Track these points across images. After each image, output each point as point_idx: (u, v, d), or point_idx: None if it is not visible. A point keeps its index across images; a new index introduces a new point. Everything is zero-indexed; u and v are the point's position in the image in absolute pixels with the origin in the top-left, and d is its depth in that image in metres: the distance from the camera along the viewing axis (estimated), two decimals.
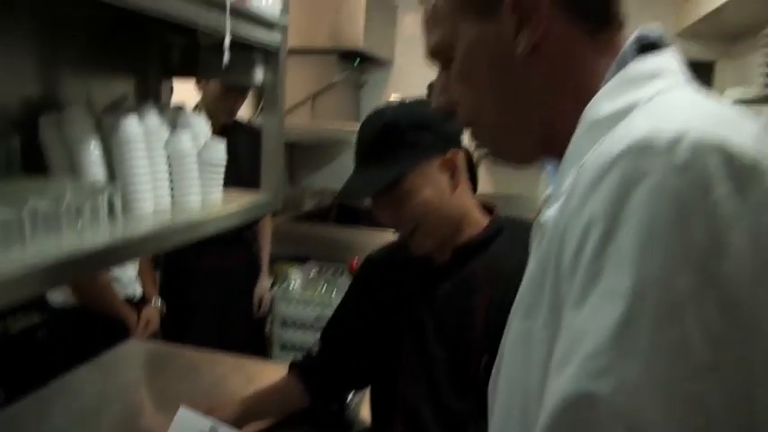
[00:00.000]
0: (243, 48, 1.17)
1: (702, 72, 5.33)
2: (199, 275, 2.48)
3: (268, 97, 1.30)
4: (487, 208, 1.27)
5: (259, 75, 1.29)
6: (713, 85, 5.05)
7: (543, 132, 0.66)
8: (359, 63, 5.13)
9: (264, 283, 2.63)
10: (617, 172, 0.47)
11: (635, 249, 0.44)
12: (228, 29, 1.01)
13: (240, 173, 1.90)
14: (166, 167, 1.10)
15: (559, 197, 0.58)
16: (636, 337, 0.43)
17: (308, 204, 4.02)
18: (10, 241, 0.74)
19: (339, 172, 5.53)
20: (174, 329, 2.44)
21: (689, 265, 0.43)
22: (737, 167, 0.44)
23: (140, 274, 2.31)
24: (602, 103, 0.59)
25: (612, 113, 0.56)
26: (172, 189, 1.11)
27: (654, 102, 0.55)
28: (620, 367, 0.43)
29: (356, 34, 4.39)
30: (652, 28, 0.63)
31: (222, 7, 1.01)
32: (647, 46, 0.62)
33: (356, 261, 1.86)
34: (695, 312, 0.42)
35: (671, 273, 0.43)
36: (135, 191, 1.01)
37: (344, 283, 2.72)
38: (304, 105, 4.22)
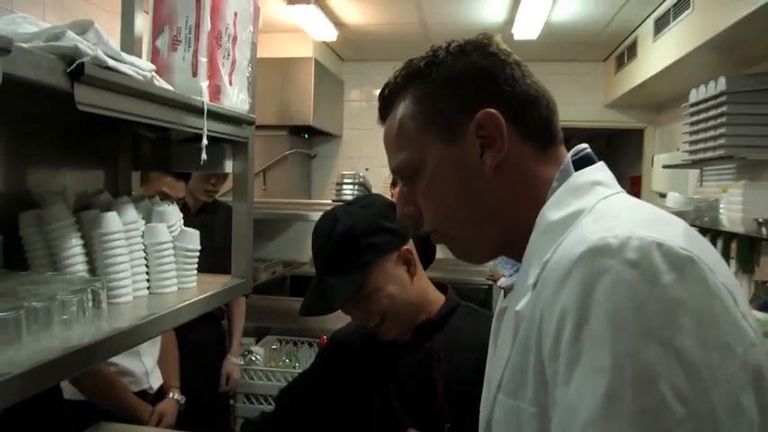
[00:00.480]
0: (215, 140, 1.25)
1: (633, 138, 5.71)
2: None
3: (238, 185, 1.37)
4: (440, 286, 1.37)
5: (229, 164, 1.36)
6: (643, 151, 5.41)
7: (502, 237, 0.78)
8: (309, 137, 5.28)
9: (234, 358, 2.61)
10: (580, 271, 0.58)
11: (607, 332, 0.54)
12: (206, 130, 1.09)
13: (216, 250, 1.94)
14: (144, 258, 1.15)
15: (526, 290, 0.68)
16: (622, 405, 0.52)
17: (263, 276, 4.03)
18: (6, 341, 0.77)
19: (291, 242, 5.59)
20: None
21: (653, 341, 0.53)
22: (675, 259, 0.56)
23: (162, 361, 2.19)
24: (552, 210, 0.71)
25: (563, 218, 0.69)
26: (149, 278, 1.16)
27: (598, 208, 0.67)
28: (614, 431, 0.52)
29: (306, 110, 4.53)
30: (582, 147, 0.78)
31: (199, 111, 1.09)
32: (583, 159, 0.76)
33: (325, 339, 1.92)
34: (666, 378, 0.52)
35: (640, 348, 0.53)
36: (116, 283, 1.05)
37: (306, 354, 2.74)
38: (256, 179, 4.28)
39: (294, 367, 2.60)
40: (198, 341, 2.49)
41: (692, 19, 3.21)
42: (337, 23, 4.26)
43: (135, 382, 2.07)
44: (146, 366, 2.11)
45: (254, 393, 2.56)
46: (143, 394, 2.06)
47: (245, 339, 2.80)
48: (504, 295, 0.85)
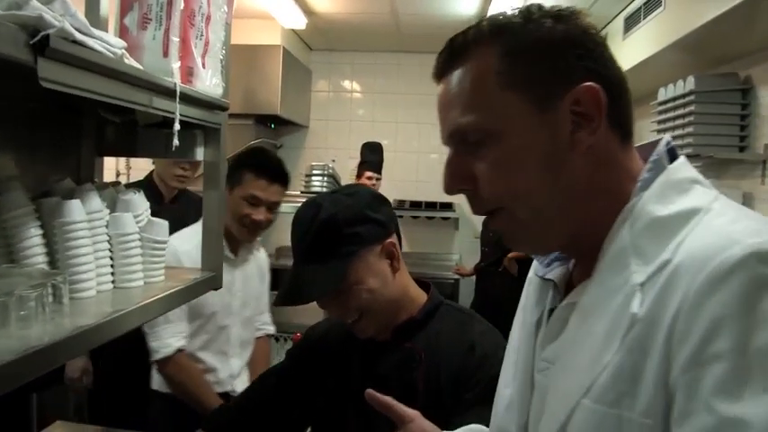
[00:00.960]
0: (186, 126, 1.18)
1: None
2: (127, 339, 2.33)
3: (209, 173, 1.31)
4: (422, 283, 1.32)
5: (201, 152, 1.29)
6: None
7: (577, 226, 0.71)
8: (275, 126, 5.17)
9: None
10: (740, 278, 0.54)
11: None
12: (178, 113, 1.02)
13: None
14: (108, 249, 1.07)
15: (630, 289, 0.62)
16: None
17: None
18: None
19: None
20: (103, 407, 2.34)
21: None
22: None
23: (252, 366, 2.15)
24: (656, 205, 0.66)
25: (675, 215, 0.64)
26: (113, 271, 1.09)
27: (717, 209, 0.64)
28: None
29: (273, 100, 4.44)
30: (667, 138, 0.73)
31: (171, 93, 1.02)
32: (669, 151, 0.71)
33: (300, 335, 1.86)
34: None
35: None
36: (79, 276, 0.98)
37: (281, 351, 2.67)
38: None
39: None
40: None
41: (663, 18, 3.23)
42: (307, 11, 4.18)
43: (218, 383, 2.03)
44: (232, 368, 2.07)
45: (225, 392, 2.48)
46: (226, 396, 1.99)
47: None
48: (555, 289, 0.79)
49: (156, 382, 2.00)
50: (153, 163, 2.56)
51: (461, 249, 5.52)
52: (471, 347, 1.19)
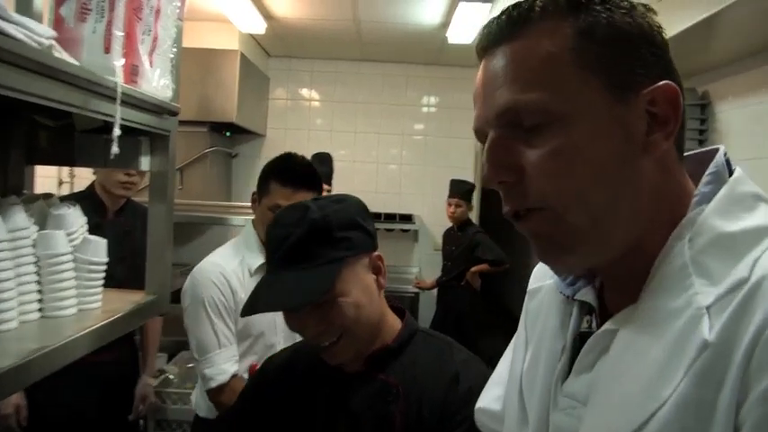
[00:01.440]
0: (129, 131, 1.04)
1: None
2: (66, 369, 2.13)
3: (156, 185, 1.17)
4: (396, 309, 1.21)
5: (146, 161, 1.15)
6: None
7: (629, 244, 0.61)
8: (231, 134, 5.01)
9: (149, 379, 2.33)
10: None
11: None
12: (119, 118, 0.89)
13: (138, 258, 1.70)
14: (35, 273, 0.93)
15: (695, 312, 0.54)
16: None
17: (177, 283, 3.73)
18: None
19: (208, 247, 5.26)
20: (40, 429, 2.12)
21: None
22: None
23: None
24: (722, 221, 0.58)
25: (745, 231, 0.57)
26: (41, 298, 0.94)
27: None
28: None
29: (229, 107, 4.28)
30: (724, 149, 0.64)
31: (111, 94, 0.89)
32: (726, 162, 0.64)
33: (256, 364, 1.71)
34: None
35: None
36: None
37: None
38: None
39: None
40: (110, 361, 2.19)
41: None
42: (267, 15, 4.04)
43: None
44: None
45: (167, 419, 2.31)
46: None
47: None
48: (584, 311, 0.69)
49: (204, 409, 1.87)
50: (94, 172, 2.34)
51: (421, 262, 5.44)
52: (455, 378, 1.07)
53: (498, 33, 0.63)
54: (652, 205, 0.61)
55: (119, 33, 0.99)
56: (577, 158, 0.58)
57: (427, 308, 4.75)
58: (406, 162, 5.44)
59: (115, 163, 1.02)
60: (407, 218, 5.28)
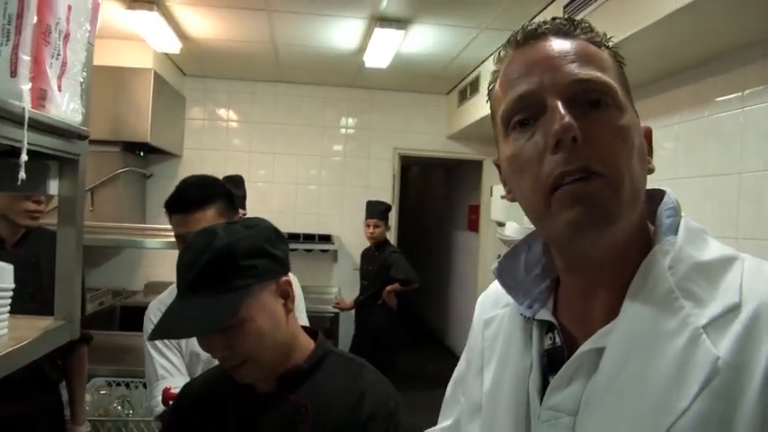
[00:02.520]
0: (37, 156, 1.03)
1: (473, 169, 5.99)
2: None
3: (65, 209, 1.15)
4: (309, 330, 1.25)
5: (54, 185, 1.14)
6: (482, 181, 5.69)
7: (629, 234, 0.69)
8: (144, 154, 4.90)
9: (79, 427, 2.16)
10: None
11: None
12: (26, 143, 0.89)
13: (43, 291, 1.63)
14: None
15: (692, 332, 0.62)
16: None
17: (89, 308, 3.60)
18: None
19: (121, 269, 5.09)
20: None
21: None
22: None
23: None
24: (694, 250, 0.68)
25: (717, 260, 0.67)
26: None
27: (752, 258, 0.68)
28: None
29: (143, 126, 4.19)
30: (670, 190, 0.76)
31: (18, 119, 0.88)
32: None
33: (170, 389, 1.67)
34: None
35: None
36: None
37: (141, 398, 2.42)
38: None
39: (128, 415, 2.28)
40: (26, 414, 1.97)
41: None
42: (181, 35, 4.01)
43: None
44: None
45: None
46: None
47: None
48: (545, 330, 0.76)
49: None
50: None
51: (341, 282, 5.47)
52: (361, 398, 1.12)
53: (560, 27, 0.72)
54: (640, 215, 0.71)
55: (25, 57, 0.98)
56: (630, 140, 0.68)
57: (347, 327, 4.77)
58: (324, 183, 5.48)
59: (22, 188, 1.01)
60: (326, 238, 5.31)
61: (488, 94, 0.79)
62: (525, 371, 0.76)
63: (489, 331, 0.85)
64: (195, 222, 1.68)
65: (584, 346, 0.69)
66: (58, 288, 1.16)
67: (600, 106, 0.67)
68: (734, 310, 0.62)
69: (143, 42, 3.96)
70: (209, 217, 1.72)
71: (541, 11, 3.27)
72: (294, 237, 5.10)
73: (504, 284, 0.80)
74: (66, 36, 1.10)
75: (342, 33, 3.92)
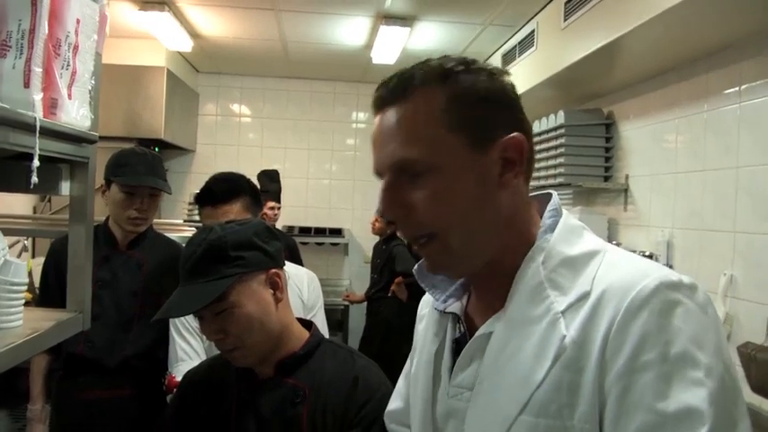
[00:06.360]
0: (49, 160, 1.12)
1: None
2: (81, 411, 1.99)
3: (76, 208, 1.24)
4: (304, 322, 1.34)
5: (66, 186, 1.23)
6: None
7: (497, 253, 0.80)
8: (159, 150, 5.00)
9: None
10: (656, 302, 0.68)
11: (695, 352, 0.65)
12: (38, 149, 0.97)
13: (145, 288, 1.85)
14: None
15: (552, 317, 0.73)
16: (725, 404, 0.64)
17: None
18: None
19: None
20: None
21: (720, 357, 0.67)
22: (705, 296, 0.71)
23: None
24: (564, 246, 0.78)
25: (582, 255, 0.77)
26: None
27: (611, 249, 0.79)
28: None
29: (157, 123, 4.29)
30: (555, 194, 0.86)
31: (30, 127, 0.96)
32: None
33: (173, 377, 1.76)
34: (734, 384, 0.67)
35: (718, 362, 0.66)
36: None
37: None
38: (98, 194, 3.97)
39: None
40: (120, 401, 2.02)
41: (536, 57, 3.46)
42: (193, 34, 4.10)
43: None
44: None
45: None
46: None
47: None
48: (456, 321, 0.87)
49: None
50: (106, 204, 2.10)
51: (351, 275, 5.55)
52: (355, 382, 1.21)
53: (387, 97, 0.81)
54: (509, 227, 0.80)
55: (38, 69, 1.06)
56: (449, 197, 0.76)
57: (358, 320, 4.85)
58: (335, 177, 5.56)
59: (36, 190, 1.09)
60: (337, 231, 5.39)
61: None
62: (432, 356, 0.89)
63: (421, 325, 0.99)
64: (223, 215, 1.80)
65: (478, 332, 0.81)
66: (69, 281, 1.25)
67: (421, 176, 0.76)
68: (585, 296, 0.73)
69: (156, 41, 4.06)
70: (235, 210, 1.84)
71: (544, 7, 3.31)
72: (305, 230, 5.19)
73: (422, 283, 0.92)
74: (76, 48, 1.18)
75: (348, 31, 3.99)
